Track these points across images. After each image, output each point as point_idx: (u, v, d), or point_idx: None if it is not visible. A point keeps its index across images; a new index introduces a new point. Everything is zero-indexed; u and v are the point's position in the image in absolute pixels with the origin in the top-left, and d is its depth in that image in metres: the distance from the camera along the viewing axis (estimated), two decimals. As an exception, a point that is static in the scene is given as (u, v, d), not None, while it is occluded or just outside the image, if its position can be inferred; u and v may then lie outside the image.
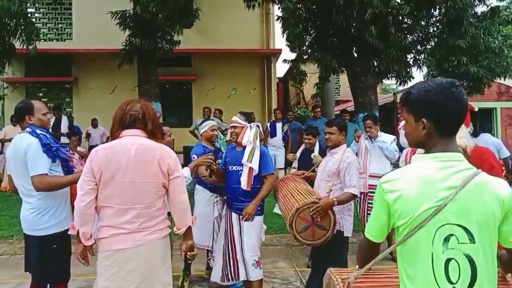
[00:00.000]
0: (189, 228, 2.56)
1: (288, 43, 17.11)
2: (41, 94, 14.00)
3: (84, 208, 2.33)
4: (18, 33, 7.50)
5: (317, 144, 5.51)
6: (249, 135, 3.81)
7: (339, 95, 22.60)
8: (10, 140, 9.40)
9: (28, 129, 2.95)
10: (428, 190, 1.41)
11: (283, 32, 13.62)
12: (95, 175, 2.32)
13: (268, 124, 10.15)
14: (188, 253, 2.57)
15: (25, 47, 8.07)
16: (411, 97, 1.55)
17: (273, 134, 9.66)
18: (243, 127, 3.89)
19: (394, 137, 5.47)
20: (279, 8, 12.13)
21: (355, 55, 10.34)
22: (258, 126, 3.97)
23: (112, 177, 2.32)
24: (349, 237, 3.76)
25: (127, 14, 9.15)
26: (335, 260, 3.36)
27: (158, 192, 2.40)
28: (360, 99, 10.22)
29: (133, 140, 2.38)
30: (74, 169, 3.16)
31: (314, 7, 10.51)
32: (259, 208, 3.77)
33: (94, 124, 11.32)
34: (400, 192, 1.45)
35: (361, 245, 1.73)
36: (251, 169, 3.70)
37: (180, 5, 8.66)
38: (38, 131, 2.93)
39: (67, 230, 3.01)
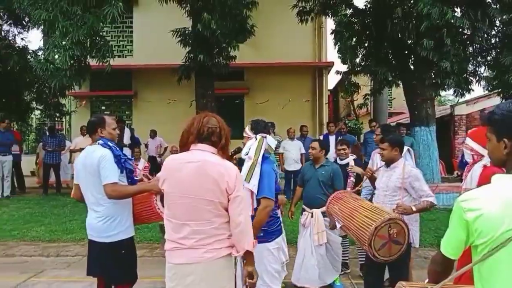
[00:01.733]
0: (249, 253, 2.38)
1: (340, 56, 17.11)
2: (103, 107, 14.87)
3: None
4: (94, 51, 8.03)
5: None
6: (251, 148, 3.26)
7: (391, 107, 22.15)
8: (81, 150, 10.09)
9: (101, 141, 3.12)
10: (509, 210, 1.41)
11: (335, 45, 13.67)
12: (161, 186, 2.41)
13: (321, 137, 10.17)
14: (248, 280, 2.41)
15: (98, 63, 8.61)
16: (494, 116, 1.57)
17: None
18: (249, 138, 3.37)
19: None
20: (333, 21, 12.18)
21: (411, 67, 10.18)
22: (264, 137, 3.33)
23: (172, 190, 2.34)
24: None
25: (187, 32, 9.55)
26: (401, 272, 3.39)
27: (215, 210, 2.28)
28: (416, 112, 10.02)
29: (200, 155, 2.32)
30: (136, 178, 3.36)
31: (369, 19, 10.49)
32: (262, 234, 3.22)
33: (152, 135, 11.83)
34: (480, 211, 1.45)
35: (435, 260, 1.73)
36: (251, 191, 3.12)
37: (237, 22, 8.96)
38: (110, 144, 3.12)
39: (133, 236, 3.27)
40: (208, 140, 2.35)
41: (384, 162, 3.87)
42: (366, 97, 12.23)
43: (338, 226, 4.00)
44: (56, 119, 13.26)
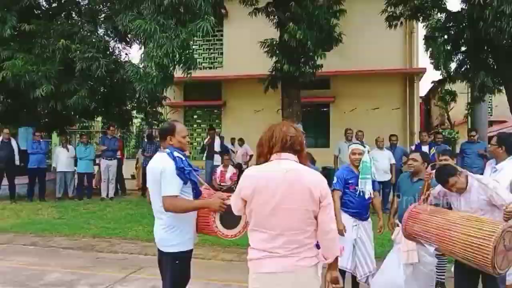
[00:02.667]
0: (336, 258, 2.41)
1: (433, 62, 16.22)
2: (195, 117, 15.77)
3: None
4: (182, 63, 8.57)
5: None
6: None
7: (491, 115, 20.47)
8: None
9: (167, 150, 3.05)
10: None
11: (426, 50, 13.04)
12: (245, 198, 2.33)
13: (413, 147, 9.74)
14: (333, 285, 2.41)
15: (184, 75, 9.16)
16: None
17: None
18: None
19: None
20: (423, 26, 11.65)
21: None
22: None
23: (262, 201, 2.28)
24: None
25: (274, 42, 9.79)
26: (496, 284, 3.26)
27: (308, 219, 2.29)
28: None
29: (288, 164, 2.31)
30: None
31: (465, 23, 9.85)
32: None
33: (240, 143, 12.25)
34: None
35: None
36: None
37: (324, 31, 8.98)
38: (176, 154, 3.02)
39: (191, 250, 3.15)
40: (291, 149, 2.34)
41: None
42: (469, 107, 11.36)
43: (432, 249, 3.79)
44: (154, 126, 14.28)
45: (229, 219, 3.06)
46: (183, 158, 3.06)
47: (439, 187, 3.75)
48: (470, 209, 3.46)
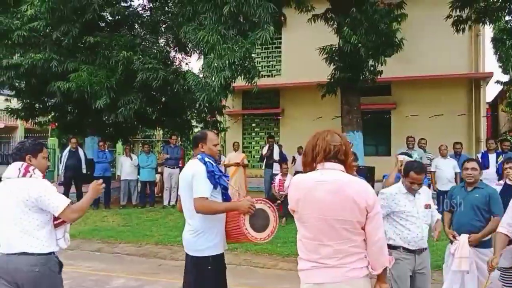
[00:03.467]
0: (385, 269, 2.35)
1: (501, 65, 15.34)
2: (254, 125, 15.98)
3: None
4: (243, 73, 8.73)
5: None
6: None
7: None
8: (236, 164, 11.04)
9: (199, 156, 3.17)
10: None
11: (495, 54, 12.36)
12: (292, 208, 2.39)
13: (479, 155, 9.24)
14: None
15: (247, 84, 9.31)
16: None
17: (485, 165, 8.73)
18: None
19: None
20: (491, 29, 11.06)
21: None
22: None
23: (307, 211, 2.29)
24: None
25: (333, 49, 9.73)
26: None
27: (354, 229, 2.25)
28: None
29: (332, 174, 2.29)
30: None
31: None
32: None
33: (300, 151, 12.23)
34: None
35: None
36: None
37: (384, 36, 8.78)
38: (206, 159, 3.13)
39: (221, 254, 3.18)
40: (335, 158, 2.31)
41: None
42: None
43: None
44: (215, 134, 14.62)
45: (258, 223, 3.12)
46: (213, 164, 3.17)
47: None
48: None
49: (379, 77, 10.21)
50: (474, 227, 4.01)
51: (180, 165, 12.41)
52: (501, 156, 8.69)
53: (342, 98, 10.25)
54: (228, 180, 3.43)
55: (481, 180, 4.29)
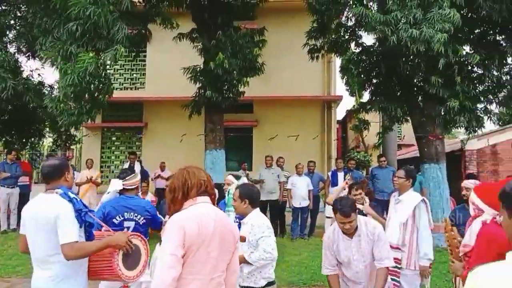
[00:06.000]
0: None
1: (348, 89, 17.19)
2: (114, 138, 15.05)
3: (172, 283, 2.10)
4: (97, 91, 8.13)
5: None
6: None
7: (401, 139, 22.09)
8: (84, 183, 10.14)
9: (60, 191, 2.70)
10: None
11: (342, 78, 13.82)
12: (185, 244, 2.17)
13: (330, 173, 10.13)
14: None
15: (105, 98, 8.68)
16: (506, 193, 1.57)
17: (334, 183, 9.59)
18: None
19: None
20: (340, 58, 12.34)
21: (420, 104, 10.18)
22: None
23: (200, 247, 2.21)
24: None
25: (198, 69, 9.75)
26: None
27: (228, 260, 2.36)
28: (426, 149, 9.95)
29: (209, 208, 2.33)
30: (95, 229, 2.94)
31: (378, 57, 10.59)
32: None
33: (162, 168, 11.87)
34: None
35: None
36: None
37: (248, 61, 9.13)
38: (71, 195, 2.71)
39: None
40: (206, 193, 2.37)
41: None
42: (381, 135, 12.16)
43: None
44: (67, 148, 13.37)
45: (130, 259, 2.87)
46: (78, 199, 2.76)
47: None
48: (362, 257, 3.40)
49: (242, 97, 10.53)
50: None
51: (27, 182, 11.04)
52: (348, 174, 9.62)
53: (206, 116, 10.32)
54: (94, 215, 2.92)
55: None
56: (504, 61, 9.58)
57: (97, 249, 2.73)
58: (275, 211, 9.47)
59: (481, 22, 9.09)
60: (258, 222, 3.36)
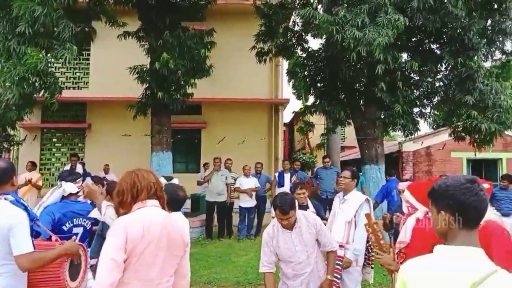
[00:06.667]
0: None
1: (295, 92, 17.60)
2: (55, 140, 14.40)
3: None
4: (43, 90, 7.79)
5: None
6: None
7: (344, 141, 22.91)
8: (23, 185, 9.60)
9: (10, 197, 2.52)
10: (446, 285, 1.46)
11: (289, 81, 14.16)
12: (127, 248, 2.12)
13: (277, 174, 10.32)
14: None
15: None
16: (433, 191, 1.67)
17: (281, 184, 9.79)
18: None
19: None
20: (287, 62, 12.64)
21: (362, 108, 10.68)
22: None
23: (145, 251, 2.17)
24: None
25: (144, 69, 9.58)
26: None
27: (177, 265, 2.34)
28: (366, 151, 10.45)
29: (158, 211, 2.30)
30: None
31: (323, 62, 10.99)
32: None
33: (106, 170, 11.53)
34: None
35: None
36: None
37: (196, 62, 9.11)
38: (24, 202, 2.56)
39: None
40: (155, 196, 2.34)
41: None
42: (323, 137, 12.60)
43: None
44: (6, 149, 12.57)
45: (72, 269, 2.80)
46: (27, 206, 2.58)
47: None
48: (305, 246, 3.50)
49: (190, 99, 10.46)
50: None
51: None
52: (294, 175, 9.87)
53: (153, 117, 10.16)
54: (39, 224, 2.76)
55: None
56: (438, 69, 10.29)
57: (53, 259, 2.62)
58: (223, 212, 9.52)
59: (418, 31, 9.69)
60: None
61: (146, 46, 9.97)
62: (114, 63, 12.57)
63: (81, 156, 13.84)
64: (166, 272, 2.25)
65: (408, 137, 11.63)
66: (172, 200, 3.17)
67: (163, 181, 4.47)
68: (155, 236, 2.20)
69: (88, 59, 14.45)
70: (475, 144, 10.06)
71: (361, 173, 10.23)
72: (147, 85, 9.68)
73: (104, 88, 13.29)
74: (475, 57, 9.05)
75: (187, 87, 9.84)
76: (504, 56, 10.58)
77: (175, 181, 4.58)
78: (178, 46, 8.92)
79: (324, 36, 8.08)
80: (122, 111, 10.92)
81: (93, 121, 14.17)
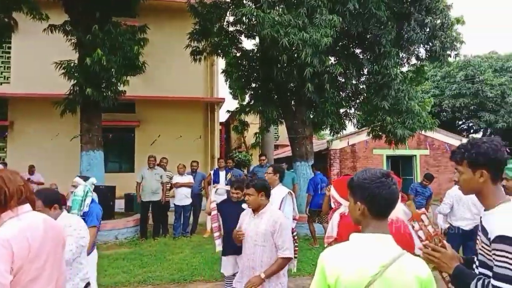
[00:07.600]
0: None
1: (231, 91, 17.79)
2: (-29, 138, 13.36)
3: None
4: None
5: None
6: None
7: (277, 139, 23.49)
8: None
9: None
10: (363, 274, 1.59)
11: (226, 81, 14.29)
12: (14, 266, 1.87)
13: (212, 172, 10.41)
14: None
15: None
16: (352, 182, 1.83)
17: (216, 181, 9.89)
18: None
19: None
20: (223, 60, 12.73)
21: (293, 108, 11.09)
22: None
23: (32, 264, 1.96)
24: None
25: (72, 64, 9.17)
26: None
27: (61, 267, 2.23)
28: (297, 149, 10.87)
29: (37, 216, 2.09)
30: None
31: (256, 62, 11.25)
32: None
33: (32, 171, 10.95)
34: (339, 276, 1.63)
35: None
36: None
37: (128, 59, 8.92)
38: None
39: None
40: (26, 200, 2.05)
41: None
42: (257, 135, 12.87)
43: None
44: None
45: None
46: None
47: None
48: (256, 234, 3.41)
49: (122, 96, 10.22)
50: None
51: None
52: (229, 173, 10.01)
53: (82, 115, 9.79)
54: None
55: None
56: (361, 72, 10.99)
57: None
58: (158, 211, 9.45)
59: (344, 35, 10.27)
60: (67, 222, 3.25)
61: (73, 40, 9.54)
62: (39, 57, 11.94)
63: (2, 156, 13.01)
64: (53, 278, 2.09)
65: (335, 136, 12.27)
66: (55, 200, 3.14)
67: (78, 180, 4.35)
68: (41, 246, 2.01)
69: (9, 52, 13.54)
70: (392, 142, 11.01)
71: (292, 170, 10.68)
72: (75, 81, 9.29)
73: (28, 83, 12.56)
74: (389, 65, 9.75)
75: (119, 84, 9.59)
76: (419, 62, 11.61)
77: (92, 180, 4.48)
78: (109, 42, 8.66)
79: (269, 37, 8.01)
80: (48, 109, 10.39)
81: (16, 119, 13.31)
